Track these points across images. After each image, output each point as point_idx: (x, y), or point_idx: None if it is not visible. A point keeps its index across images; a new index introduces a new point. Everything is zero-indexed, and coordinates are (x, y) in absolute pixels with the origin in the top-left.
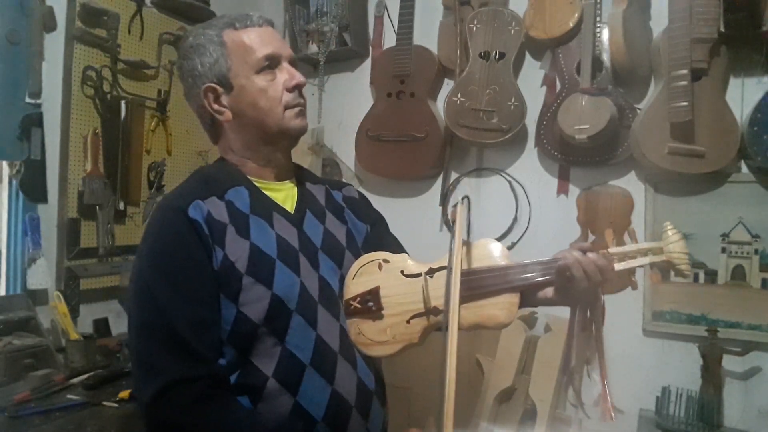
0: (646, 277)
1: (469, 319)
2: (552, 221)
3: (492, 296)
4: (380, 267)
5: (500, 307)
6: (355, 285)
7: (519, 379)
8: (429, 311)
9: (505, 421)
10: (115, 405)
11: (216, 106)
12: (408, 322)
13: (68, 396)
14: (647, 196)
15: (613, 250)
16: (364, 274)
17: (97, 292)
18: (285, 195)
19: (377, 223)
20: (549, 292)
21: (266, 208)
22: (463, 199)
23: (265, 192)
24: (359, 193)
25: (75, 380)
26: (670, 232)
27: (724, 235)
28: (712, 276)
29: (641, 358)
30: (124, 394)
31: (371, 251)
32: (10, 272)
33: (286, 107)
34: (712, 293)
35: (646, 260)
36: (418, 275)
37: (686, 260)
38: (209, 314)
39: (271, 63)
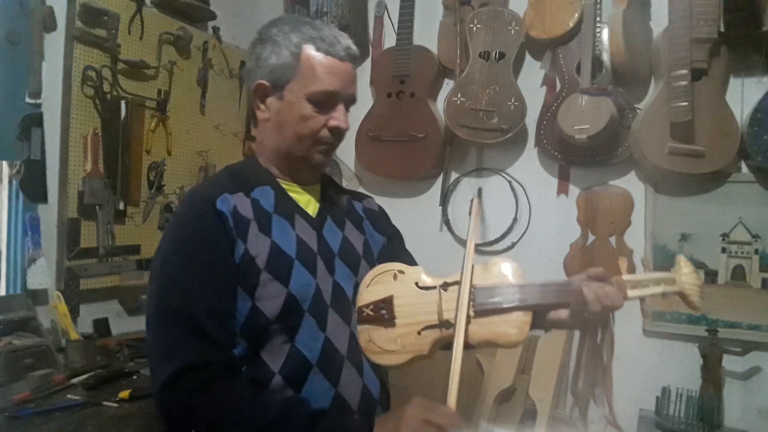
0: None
1: (479, 335)
2: (552, 221)
3: (505, 314)
4: (395, 277)
5: (512, 324)
6: (369, 293)
7: (519, 379)
8: (441, 324)
9: (505, 421)
10: (115, 405)
11: (259, 102)
12: (419, 333)
13: (68, 396)
14: (647, 196)
15: (626, 277)
16: (379, 282)
17: (97, 292)
18: (308, 199)
19: (394, 237)
20: (561, 314)
21: (289, 209)
22: (479, 192)
23: (289, 194)
24: (379, 206)
25: (75, 380)
26: (682, 263)
27: (724, 235)
28: (712, 276)
29: (641, 358)
30: (124, 394)
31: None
32: (10, 272)
33: (317, 141)
34: (712, 293)
35: (658, 289)
36: (433, 288)
37: (698, 293)
38: (227, 304)
39: (326, 100)
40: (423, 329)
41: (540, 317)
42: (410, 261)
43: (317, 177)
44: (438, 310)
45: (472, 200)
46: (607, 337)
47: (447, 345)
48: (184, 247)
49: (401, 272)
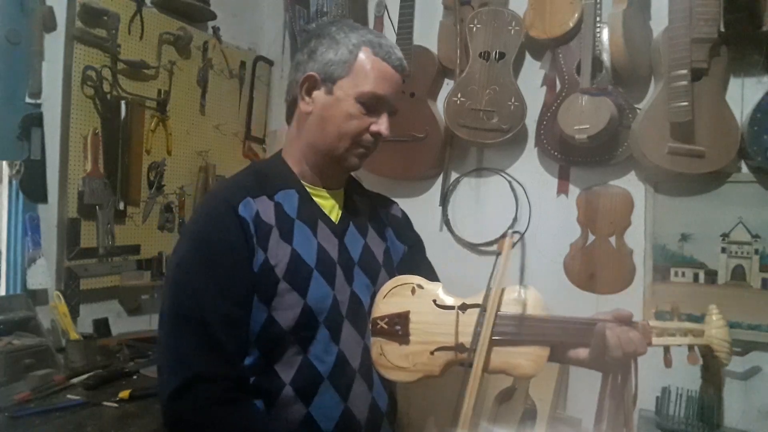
0: (646, 276)
1: (494, 363)
2: (552, 221)
3: (522, 345)
4: (413, 291)
5: (529, 357)
6: (385, 305)
7: (519, 379)
8: (456, 347)
9: (505, 421)
10: (115, 405)
11: (304, 94)
12: (432, 353)
13: (68, 396)
14: (647, 196)
15: (653, 323)
16: (396, 295)
17: (97, 292)
18: (332, 204)
19: (415, 246)
20: (581, 353)
21: (312, 214)
22: (513, 233)
23: (313, 198)
24: (403, 212)
25: (75, 380)
26: (714, 317)
27: (724, 235)
28: (712, 276)
29: (641, 358)
30: (124, 394)
31: (405, 273)
32: (10, 272)
33: (356, 143)
34: (712, 293)
35: (685, 340)
36: (451, 308)
37: (727, 349)
38: (241, 313)
39: (374, 103)
40: (436, 350)
41: (558, 352)
42: (430, 271)
43: (343, 181)
44: (454, 332)
45: (504, 236)
46: (628, 387)
47: (460, 366)
48: (201, 252)
49: (420, 287)
